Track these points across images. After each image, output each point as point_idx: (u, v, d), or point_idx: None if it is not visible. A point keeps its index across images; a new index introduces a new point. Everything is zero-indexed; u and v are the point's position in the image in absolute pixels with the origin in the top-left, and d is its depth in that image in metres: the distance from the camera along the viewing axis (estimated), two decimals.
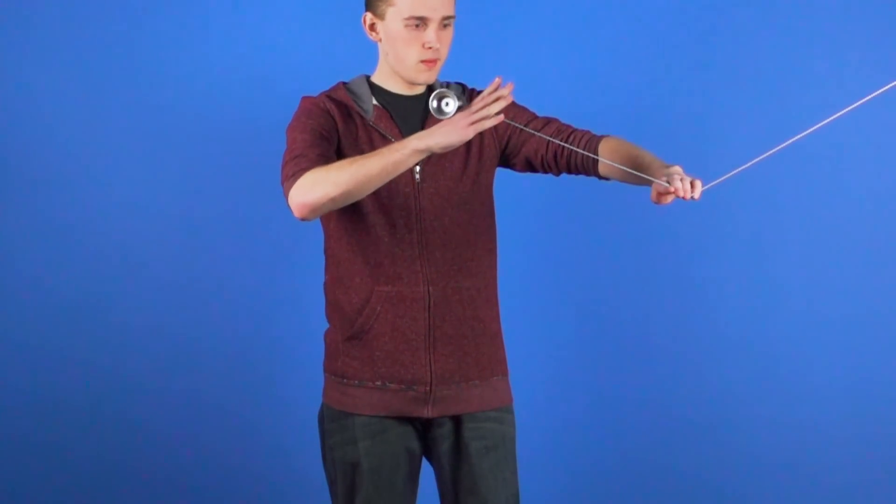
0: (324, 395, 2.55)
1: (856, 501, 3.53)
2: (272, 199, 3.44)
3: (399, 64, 2.47)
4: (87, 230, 3.48)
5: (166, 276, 3.50)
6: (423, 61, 2.44)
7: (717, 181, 2.27)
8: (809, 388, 3.54)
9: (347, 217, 2.46)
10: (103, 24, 3.47)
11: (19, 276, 3.48)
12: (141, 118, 3.48)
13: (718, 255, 3.56)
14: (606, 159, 2.41)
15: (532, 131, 2.50)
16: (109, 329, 3.49)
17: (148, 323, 3.50)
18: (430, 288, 2.45)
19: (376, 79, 2.53)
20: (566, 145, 2.47)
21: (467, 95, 2.54)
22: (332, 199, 2.30)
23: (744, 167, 2.30)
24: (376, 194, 2.43)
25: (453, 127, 2.25)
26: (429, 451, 2.54)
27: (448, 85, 2.55)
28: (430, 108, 2.40)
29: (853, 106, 2.30)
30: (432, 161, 2.47)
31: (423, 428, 2.51)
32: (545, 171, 2.55)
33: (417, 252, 2.46)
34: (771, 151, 2.31)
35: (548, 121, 2.54)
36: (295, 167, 2.34)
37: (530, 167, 2.56)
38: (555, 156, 2.50)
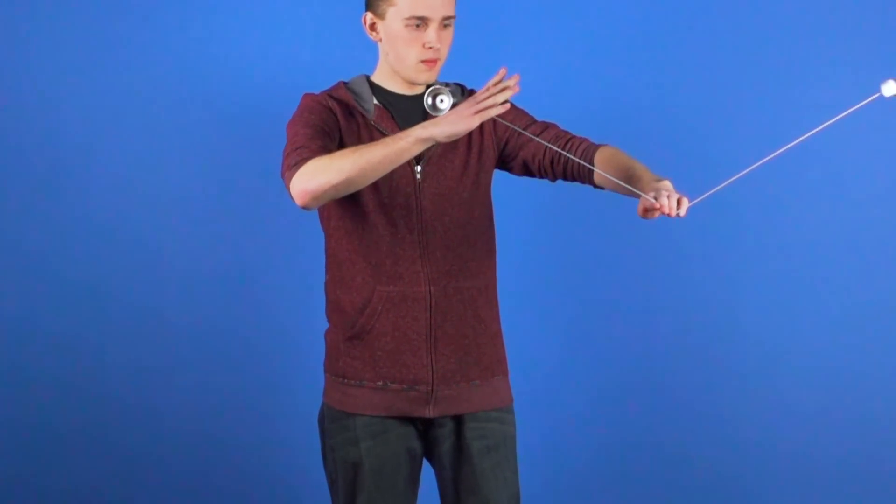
0: (324, 395, 2.55)
1: (857, 499, 3.53)
2: (273, 199, 3.46)
3: (399, 64, 2.47)
4: (88, 230, 3.48)
5: (165, 275, 3.49)
6: (423, 61, 2.44)
7: (703, 197, 2.27)
8: (811, 386, 3.54)
9: (349, 217, 2.46)
10: (107, 22, 3.46)
11: (24, 269, 3.47)
12: (142, 116, 3.47)
13: (719, 252, 3.56)
14: (601, 169, 2.42)
15: (531, 135, 2.50)
16: (109, 329, 3.49)
17: (148, 322, 3.49)
18: (432, 288, 2.46)
19: (376, 78, 2.54)
20: (563, 152, 2.48)
21: (466, 96, 2.54)
22: (334, 187, 2.28)
23: (728, 181, 2.30)
24: (377, 193, 2.44)
25: (458, 116, 2.25)
26: (430, 452, 2.54)
27: (447, 85, 2.56)
28: (425, 104, 2.41)
29: (839, 117, 2.32)
30: (433, 161, 2.48)
31: (425, 428, 2.51)
32: (541, 177, 2.56)
33: (418, 252, 2.46)
34: (755, 165, 2.33)
35: (546, 126, 2.55)
36: (297, 157, 2.33)
37: (527, 171, 2.57)
38: (551, 162, 2.51)
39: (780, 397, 3.56)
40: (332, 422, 2.51)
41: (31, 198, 3.47)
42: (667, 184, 2.27)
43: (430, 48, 2.42)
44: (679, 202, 2.22)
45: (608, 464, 3.59)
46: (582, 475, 3.58)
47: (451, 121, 2.25)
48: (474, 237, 2.53)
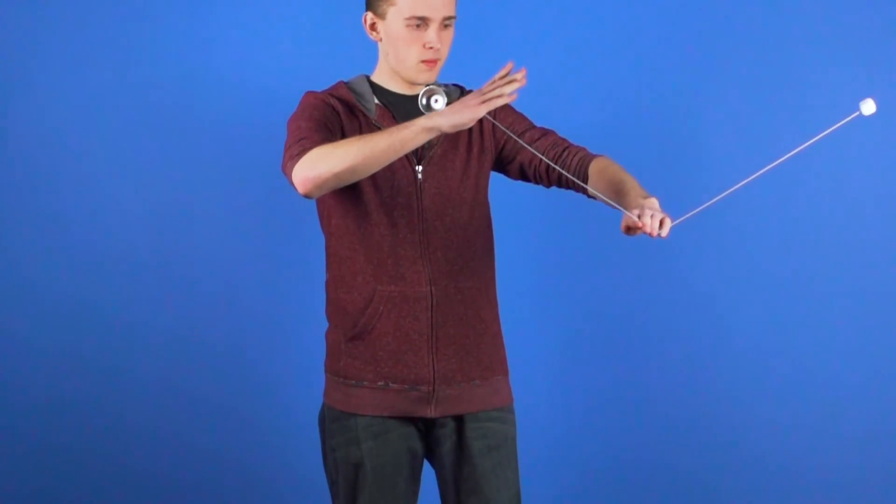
0: (325, 395, 2.54)
1: (856, 501, 3.53)
2: (273, 199, 3.47)
3: (399, 64, 2.47)
4: (87, 231, 3.47)
5: (166, 275, 3.49)
6: (423, 61, 2.44)
7: (685, 217, 2.27)
8: (811, 390, 3.54)
9: (350, 216, 2.46)
10: (107, 22, 3.46)
11: (19, 275, 3.47)
12: (141, 118, 3.47)
13: (719, 255, 3.56)
14: (593, 181, 2.43)
15: (525, 144, 2.50)
16: (109, 329, 3.49)
17: (147, 322, 3.49)
18: (433, 288, 2.45)
19: (376, 78, 2.54)
20: (556, 166, 2.48)
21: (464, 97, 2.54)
22: (336, 175, 2.28)
23: (711, 202, 2.30)
24: (379, 193, 2.43)
25: (463, 105, 2.24)
26: (431, 452, 2.54)
27: (446, 86, 2.56)
28: (420, 105, 2.41)
29: (819, 137, 2.32)
30: (434, 161, 2.48)
31: (426, 428, 2.51)
32: (536, 182, 2.57)
33: (419, 252, 2.46)
34: (737, 186, 2.34)
35: (545, 132, 2.56)
36: (299, 147, 2.33)
37: (523, 176, 2.58)
38: (546, 169, 2.52)
39: (782, 397, 3.56)
40: (332, 422, 2.50)
41: (29, 198, 3.46)
42: (653, 202, 2.27)
43: (431, 48, 2.42)
44: (662, 222, 2.22)
45: (608, 464, 3.59)
46: (581, 475, 3.58)
47: (456, 110, 2.24)
48: (474, 237, 2.53)
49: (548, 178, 2.53)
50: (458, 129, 2.25)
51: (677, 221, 2.25)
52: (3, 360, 3.47)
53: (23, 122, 3.46)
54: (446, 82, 2.56)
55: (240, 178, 3.50)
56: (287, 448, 3.51)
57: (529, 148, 2.50)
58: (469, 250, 2.51)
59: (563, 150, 2.51)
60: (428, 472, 2.58)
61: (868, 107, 2.23)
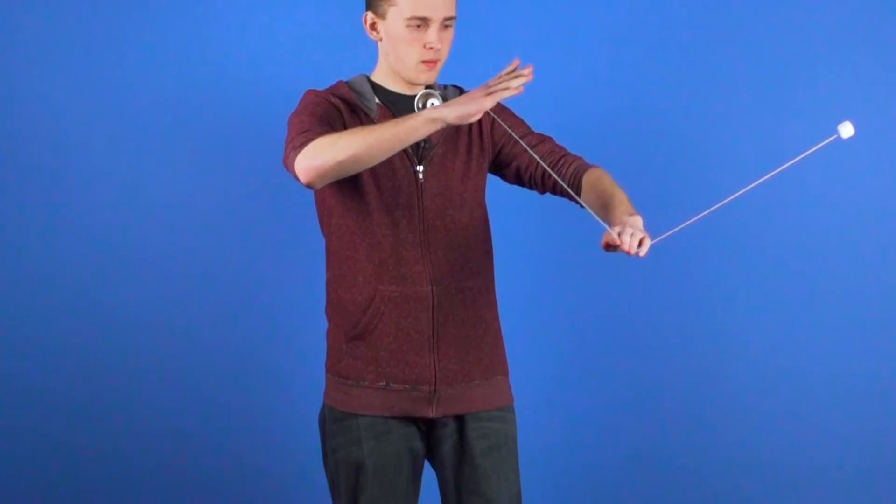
0: (326, 395, 2.54)
1: (856, 501, 3.53)
2: (274, 198, 3.47)
3: (400, 64, 2.47)
4: (89, 229, 3.47)
5: (166, 273, 3.49)
6: (423, 62, 2.44)
7: (665, 235, 2.28)
8: (812, 390, 3.54)
9: (351, 215, 2.46)
10: (107, 22, 3.46)
11: (22, 272, 3.47)
12: (142, 118, 3.47)
13: (719, 255, 3.56)
14: (584, 192, 2.44)
15: (525, 146, 2.50)
16: (110, 328, 3.48)
17: (147, 321, 3.49)
18: (434, 288, 2.45)
19: (376, 78, 2.54)
20: (552, 173, 2.49)
21: None
22: (340, 163, 2.27)
23: (691, 221, 2.30)
24: (380, 192, 2.43)
25: (469, 97, 2.24)
26: (432, 452, 2.54)
27: (445, 87, 2.56)
28: (416, 108, 2.40)
29: (797, 159, 2.34)
30: (435, 161, 2.48)
31: (427, 428, 2.51)
32: (531, 188, 2.58)
33: (420, 252, 2.46)
34: (721, 203, 2.34)
35: (542, 139, 2.57)
36: (303, 139, 2.32)
37: (519, 180, 2.59)
38: (542, 176, 2.53)
39: (783, 397, 3.56)
40: (333, 422, 2.50)
41: (29, 199, 3.46)
42: (636, 220, 2.28)
43: (431, 48, 2.42)
44: (641, 241, 2.23)
45: (608, 464, 3.59)
46: (581, 475, 3.58)
47: (461, 102, 2.24)
48: (474, 238, 2.53)
49: (542, 184, 2.54)
50: (463, 120, 2.25)
51: (657, 240, 2.27)
52: (5, 357, 3.47)
53: (23, 122, 3.45)
54: (445, 83, 2.56)
55: (240, 177, 3.50)
56: (287, 448, 3.50)
57: (529, 151, 2.50)
58: (469, 250, 2.51)
59: (560, 159, 2.52)
60: (428, 472, 2.58)
61: (846, 129, 2.25)
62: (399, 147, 2.29)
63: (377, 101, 2.49)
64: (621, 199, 2.37)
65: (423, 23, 2.41)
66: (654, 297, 3.57)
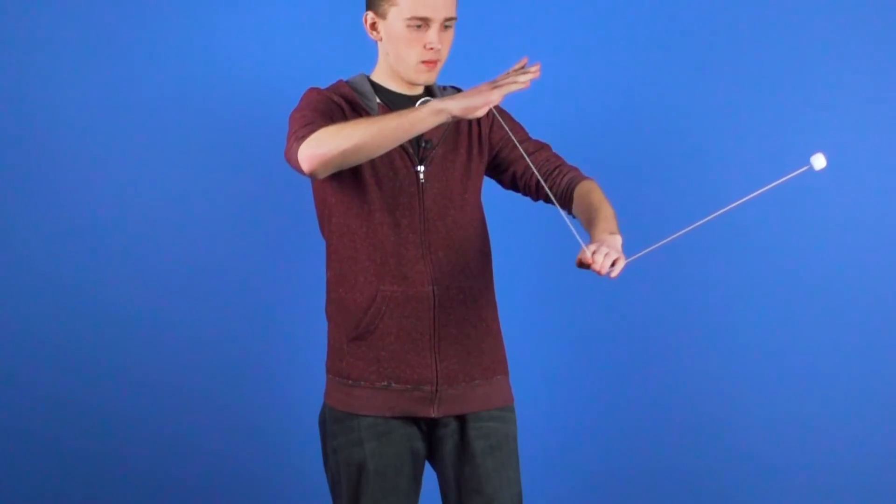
0: (326, 396, 2.54)
1: (856, 501, 3.53)
2: (274, 198, 3.47)
3: (400, 64, 2.47)
4: (88, 228, 3.47)
5: (166, 273, 3.49)
6: (423, 62, 2.44)
7: (639, 255, 2.29)
8: (813, 391, 3.54)
9: (351, 215, 2.45)
10: (107, 22, 3.46)
11: (22, 271, 3.46)
12: (142, 116, 3.47)
13: (720, 255, 3.56)
14: (574, 205, 2.47)
15: (522, 152, 2.51)
16: (108, 328, 3.48)
17: (146, 321, 3.49)
18: (435, 288, 2.46)
19: (376, 77, 2.54)
20: (544, 185, 2.50)
21: None
22: (344, 152, 2.26)
23: (667, 240, 2.32)
24: (382, 192, 2.44)
25: (475, 90, 2.24)
26: (433, 452, 2.54)
27: (444, 88, 2.55)
28: None
29: (771, 186, 2.41)
30: (435, 162, 2.48)
31: (428, 428, 2.51)
32: (525, 194, 2.60)
33: (421, 252, 2.46)
34: (698, 223, 2.39)
35: (540, 146, 2.58)
36: (306, 131, 2.31)
37: (514, 186, 2.60)
38: (536, 185, 2.54)
39: (783, 396, 3.56)
40: (335, 423, 2.50)
41: (28, 198, 3.46)
42: (613, 240, 2.31)
43: (431, 49, 2.42)
44: (615, 262, 2.24)
45: (607, 464, 3.58)
46: (581, 475, 3.58)
47: (467, 95, 2.25)
48: (474, 238, 2.54)
49: (536, 192, 2.56)
50: (468, 113, 2.24)
51: (631, 259, 2.28)
52: (3, 356, 3.47)
53: (24, 121, 3.45)
54: (444, 84, 2.56)
55: (240, 177, 3.50)
56: (287, 448, 3.50)
57: (526, 158, 2.51)
58: (470, 250, 2.52)
59: (555, 169, 2.54)
60: (428, 473, 2.58)
61: (819, 161, 2.29)
62: (403, 138, 2.29)
63: (378, 101, 2.49)
64: (605, 216, 2.39)
65: (423, 23, 2.41)
66: (654, 298, 3.57)
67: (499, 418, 2.53)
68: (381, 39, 2.49)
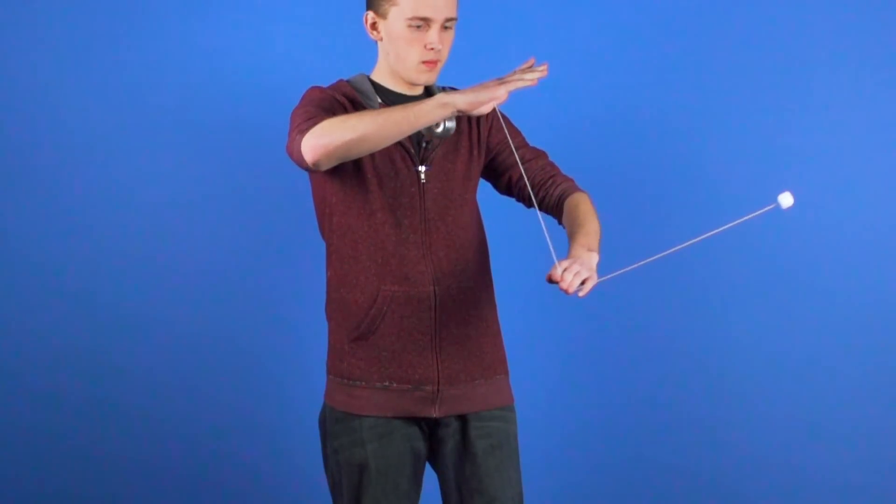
0: (327, 396, 2.53)
1: (856, 501, 3.53)
2: (274, 198, 3.47)
3: (400, 64, 2.46)
4: (89, 229, 3.47)
5: (166, 273, 3.49)
6: (424, 62, 2.44)
7: (611, 275, 2.31)
8: (815, 392, 3.55)
9: (352, 214, 2.45)
10: (107, 23, 3.46)
11: (24, 271, 3.47)
12: (142, 117, 3.47)
13: (720, 254, 3.56)
14: (563, 217, 2.49)
15: (518, 159, 2.52)
16: (109, 328, 3.48)
17: (146, 321, 3.49)
18: (437, 288, 2.46)
19: (376, 77, 2.53)
20: (533, 199, 2.52)
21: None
22: (347, 143, 2.25)
23: (639, 264, 2.34)
24: (383, 192, 2.43)
25: (482, 86, 2.24)
26: (434, 452, 2.54)
27: (443, 89, 2.55)
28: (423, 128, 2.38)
29: (735, 223, 2.44)
30: (436, 162, 2.48)
31: (429, 428, 2.51)
32: (518, 201, 2.60)
33: (422, 252, 2.46)
34: (671, 250, 2.42)
35: (536, 155, 2.59)
36: (309, 124, 2.31)
37: (509, 191, 2.61)
38: (530, 193, 2.55)
39: (784, 395, 3.56)
40: (336, 423, 2.49)
41: (30, 199, 3.46)
42: (588, 258, 2.32)
43: (432, 49, 2.42)
44: (585, 281, 2.26)
45: (607, 464, 3.59)
46: (581, 475, 3.59)
47: (474, 89, 2.25)
48: (473, 238, 2.54)
49: (529, 200, 2.57)
50: (473, 108, 2.24)
51: (602, 279, 2.29)
52: (4, 356, 3.46)
53: (24, 122, 3.45)
54: (444, 84, 2.56)
55: (240, 178, 3.50)
56: (288, 448, 3.50)
57: (520, 166, 2.51)
58: (469, 250, 2.52)
59: (549, 179, 2.55)
60: (428, 473, 2.57)
61: (786, 199, 2.32)
62: (408, 130, 2.28)
63: (379, 100, 2.48)
64: (587, 231, 2.41)
65: (424, 23, 2.40)
66: (654, 298, 3.57)
67: (500, 418, 2.53)
68: (381, 39, 2.48)
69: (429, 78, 2.47)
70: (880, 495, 3.53)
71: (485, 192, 2.62)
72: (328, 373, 2.53)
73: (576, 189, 2.54)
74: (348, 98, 2.47)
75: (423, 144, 2.47)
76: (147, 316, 3.49)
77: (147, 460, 3.50)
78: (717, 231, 2.40)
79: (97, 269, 3.47)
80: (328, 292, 2.53)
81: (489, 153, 2.57)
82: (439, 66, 2.46)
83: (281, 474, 3.53)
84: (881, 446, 3.53)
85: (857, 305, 3.53)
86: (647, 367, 3.58)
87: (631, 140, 3.57)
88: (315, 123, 2.30)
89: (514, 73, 2.25)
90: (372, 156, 2.42)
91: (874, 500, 3.53)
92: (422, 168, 2.47)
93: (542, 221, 2.41)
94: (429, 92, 2.53)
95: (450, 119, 2.38)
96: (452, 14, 2.43)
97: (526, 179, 2.52)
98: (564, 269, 2.25)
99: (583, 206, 2.48)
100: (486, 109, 2.26)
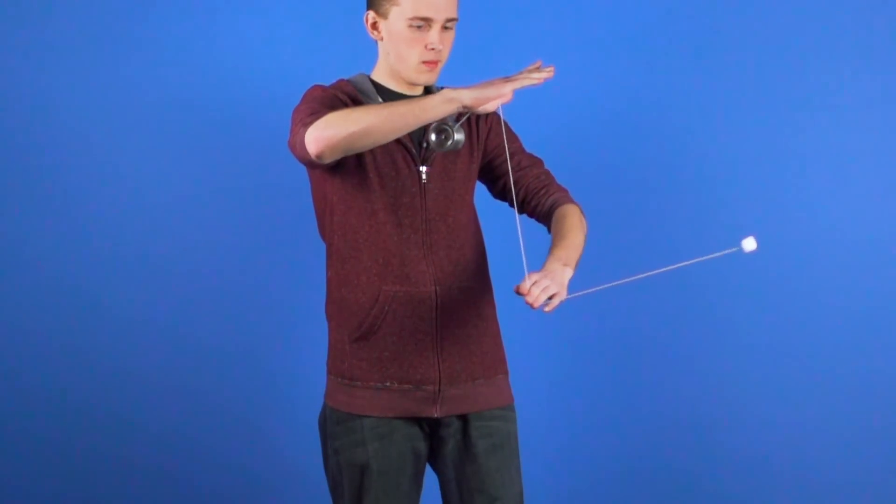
0: (327, 396, 2.53)
1: (856, 501, 3.53)
2: (274, 198, 3.46)
3: (400, 64, 2.46)
4: (89, 228, 3.47)
5: (166, 273, 3.49)
6: (424, 62, 2.44)
7: (580, 293, 2.32)
8: (815, 393, 3.55)
9: (353, 213, 2.45)
10: (107, 23, 3.46)
11: (23, 271, 3.47)
12: (142, 116, 3.47)
13: (721, 256, 3.56)
14: (551, 227, 2.50)
15: (510, 168, 2.52)
16: (109, 328, 3.48)
17: (146, 321, 3.49)
18: (437, 288, 2.46)
19: (376, 77, 2.53)
20: (527, 210, 2.56)
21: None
22: (351, 135, 2.25)
23: (607, 286, 2.37)
24: (385, 192, 2.43)
25: (489, 82, 2.25)
26: (434, 452, 2.54)
27: (442, 90, 2.55)
28: (430, 140, 2.37)
29: (700, 259, 2.49)
30: (437, 162, 2.48)
31: (430, 428, 2.51)
32: (511, 206, 2.60)
33: (423, 252, 2.46)
34: (639, 276, 2.46)
35: (532, 162, 2.59)
36: (313, 118, 2.30)
37: (502, 196, 2.61)
38: (522, 201, 2.57)
39: (782, 395, 3.56)
40: (337, 424, 2.49)
41: (29, 200, 3.46)
42: (560, 273, 2.33)
43: (432, 49, 2.42)
44: (553, 297, 2.28)
45: (607, 464, 3.59)
46: (580, 476, 3.59)
47: (481, 85, 2.25)
48: (472, 238, 2.55)
49: (521, 207, 2.58)
50: (479, 103, 2.24)
51: (571, 296, 2.31)
52: (6, 356, 3.46)
53: (25, 121, 3.45)
54: (443, 85, 2.56)
55: (240, 178, 3.50)
56: (288, 448, 3.50)
57: (510, 175, 2.51)
58: (469, 251, 2.52)
59: (542, 188, 2.56)
60: (428, 473, 2.57)
61: (749, 243, 2.37)
62: (413, 125, 2.28)
63: (380, 100, 2.48)
64: (567, 245, 2.42)
65: (425, 23, 2.40)
66: (654, 297, 3.57)
67: (501, 417, 2.53)
68: (381, 39, 2.48)
69: (429, 78, 2.47)
70: (880, 495, 3.53)
71: (484, 192, 2.63)
72: (328, 373, 2.53)
73: (567, 200, 2.55)
74: (350, 97, 2.47)
75: (425, 145, 2.47)
76: (146, 316, 3.49)
77: (147, 460, 3.50)
78: (677, 266, 2.48)
79: (96, 269, 3.47)
80: (328, 292, 2.53)
81: (486, 156, 2.57)
82: (440, 66, 2.46)
83: (280, 474, 3.53)
84: (881, 446, 3.53)
85: (857, 305, 3.54)
86: (647, 367, 3.58)
87: (631, 140, 3.57)
88: (319, 118, 2.30)
89: (521, 72, 2.25)
90: (374, 155, 2.42)
91: (874, 499, 3.53)
92: (423, 168, 2.47)
93: (518, 229, 2.40)
94: (428, 92, 2.52)
95: (459, 132, 2.37)
96: (453, 14, 2.43)
97: (513, 187, 2.53)
98: (533, 283, 2.26)
99: (569, 219, 2.49)
100: (491, 107, 2.26)
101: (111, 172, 3.47)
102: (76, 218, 3.47)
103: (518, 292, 2.27)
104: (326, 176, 2.45)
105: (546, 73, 2.24)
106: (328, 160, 2.31)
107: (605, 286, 2.33)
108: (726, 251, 2.32)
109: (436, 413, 2.47)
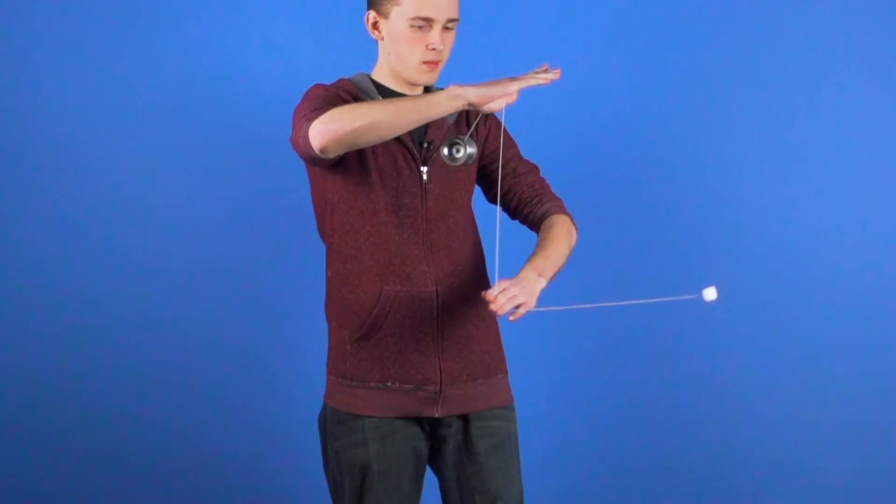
0: (327, 396, 2.53)
1: (856, 501, 3.54)
2: (273, 198, 3.46)
3: (401, 64, 2.46)
4: (88, 228, 3.48)
5: (166, 272, 3.50)
6: (425, 62, 2.44)
7: (546, 308, 2.34)
8: (815, 393, 3.55)
9: (354, 213, 2.45)
10: (107, 23, 3.47)
11: (22, 270, 3.47)
12: (141, 116, 3.48)
13: (721, 253, 3.57)
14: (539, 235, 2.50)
15: (501, 175, 2.52)
16: (109, 328, 3.49)
17: (146, 320, 3.49)
18: (438, 288, 2.45)
19: (376, 77, 2.53)
20: (519, 217, 2.57)
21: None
22: (356, 130, 2.24)
23: (580, 306, 2.44)
24: (386, 192, 2.43)
25: (494, 81, 2.24)
26: (435, 453, 2.53)
27: (442, 90, 2.55)
28: (441, 154, 2.36)
29: (661, 299, 2.51)
30: (438, 163, 2.48)
31: (431, 428, 2.51)
32: (503, 210, 2.59)
33: (424, 252, 2.46)
34: (610, 304, 2.51)
35: (528, 169, 2.59)
36: (317, 114, 2.29)
37: (496, 200, 2.59)
38: (514, 208, 2.57)
39: (782, 396, 3.57)
40: (337, 424, 2.48)
41: (29, 200, 3.46)
42: (531, 283, 2.34)
43: (433, 49, 2.42)
44: (519, 307, 2.29)
45: (606, 464, 3.59)
46: (580, 476, 3.59)
47: (487, 84, 2.24)
48: (471, 238, 2.55)
49: (513, 213, 2.58)
50: (485, 101, 2.23)
51: (537, 309, 2.32)
52: (6, 356, 3.46)
53: (23, 122, 3.45)
54: (443, 86, 2.56)
55: (240, 177, 3.50)
56: (288, 448, 3.50)
57: (498, 183, 2.51)
58: (468, 251, 2.53)
59: (536, 196, 2.56)
60: (427, 473, 2.57)
61: (710, 293, 2.37)
62: (418, 121, 2.27)
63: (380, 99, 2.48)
64: (546, 256, 2.42)
65: (426, 23, 2.40)
66: (653, 297, 3.56)
67: (501, 417, 2.53)
68: (382, 39, 2.48)
69: (429, 78, 2.46)
70: (881, 495, 3.53)
71: (480, 195, 2.63)
72: (329, 373, 2.52)
73: (559, 211, 2.54)
74: (351, 95, 2.46)
75: (425, 145, 2.46)
76: (146, 315, 3.49)
77: (147, 460, 3.50)
78: (638, 301, 2.52)
79: (96, 268, 3.47)
80: (328, 292, 2.52)
81: (482, 159, 2.57)
82: (440, 66, 2.46)
83: (281, 474, 3.53)
84: (882, 446, 3.54)
85: (857, 305, 3.54)
86: (647, 366, 3.58)
87: (631, 141, 3.57)
88: (322, 113, 2.29)
89: (528, 73, 2.25)
90: (375, 155, 2.42)
91: (874, 499, 3.53)
92: (424, 168, 2.47)
93: (497, 234, 2.39)
94: (428, 91, 2.52)
95: (471, 145, 2.35)
96: (454, 15, 2.43)
97: (505, 193, 2.53)
98: (501, 291, 2.26)
99: (556, 229, 2.49)
100: (496, 106, 2.25)
101: (111, 172, 3.48)
102: (76, 218, 3.47)
103: (484, 299, 2.27)
104: (327, 175, 2.45)
105: (553, 75, 2.25)
106: (332, 154, 2.31)
107: (573, 307, 2.36)
108: (687, 296, 2.33)
109: (437, 413, 2.46)
